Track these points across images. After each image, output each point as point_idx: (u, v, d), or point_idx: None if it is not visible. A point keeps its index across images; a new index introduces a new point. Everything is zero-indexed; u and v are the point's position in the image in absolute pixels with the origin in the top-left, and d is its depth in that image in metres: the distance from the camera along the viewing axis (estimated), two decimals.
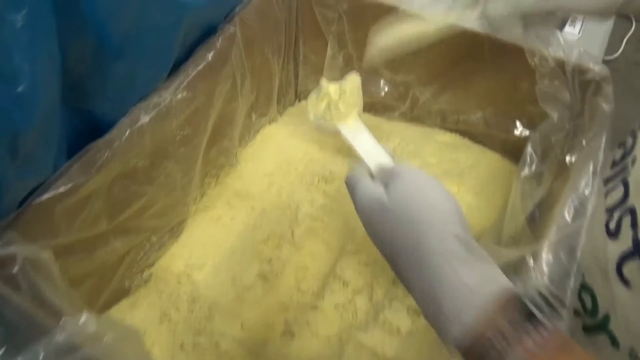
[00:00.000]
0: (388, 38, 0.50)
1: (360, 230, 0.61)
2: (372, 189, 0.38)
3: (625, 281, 0.37)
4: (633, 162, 0.39)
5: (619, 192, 0.39)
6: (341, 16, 0.60)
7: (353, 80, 0.52)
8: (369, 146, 0.47)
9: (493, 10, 0.45)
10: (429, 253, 0.31)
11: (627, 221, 0.37)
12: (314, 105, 0.53)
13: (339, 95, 0.51)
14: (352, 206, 0.62)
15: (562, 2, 0.43)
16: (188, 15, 0.47)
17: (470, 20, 0.47)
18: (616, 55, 1.42)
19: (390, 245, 0.35)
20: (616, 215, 0.38)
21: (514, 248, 0.34)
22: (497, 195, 0.59)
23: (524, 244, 0.46)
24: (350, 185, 0.40)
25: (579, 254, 0.34)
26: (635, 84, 1.38)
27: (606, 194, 0.41)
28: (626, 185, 0.39)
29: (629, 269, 0.37)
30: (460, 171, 0.61)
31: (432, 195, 0.35)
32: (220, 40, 0.53)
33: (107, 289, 0.53)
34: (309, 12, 0.63)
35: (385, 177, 0.38)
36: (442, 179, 0.62)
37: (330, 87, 0.52)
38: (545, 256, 0.34)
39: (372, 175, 0.42)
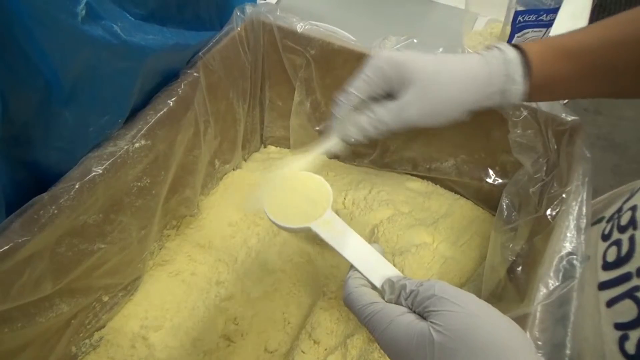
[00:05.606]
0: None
1: (332, 284, 0.58)
2: (408, 323, 0.31)
3: None
4: (638, 272, 0.36)
5: (629, 309, 0.36)
6: (309, 62, 0.59)
7: (313, 179, 0.44)
8: (363, 252, 0.38)
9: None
10: None
11: None
12: (272, 202, 0.42)
13: (302, 190, 0.43)
14: (323, 258, 0.60)
15: (415, 122, 0.42)
16: (147, 59, 0.44)
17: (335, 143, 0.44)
18: (566, 101, 1.47)
19: None
20: (633, 337, 0.35)
21: (496, 306, 0.31)
22: (473, 246, 0.57)
23: (507, 301, 0.44)
24: (367, 314, 0.34)
25: (572, 318, 0.32)
26: (586, 129, 1.43)
27: (608, 304, 0.38)
28: (639, 303, 0.35)
29: None
30: (435, 220, 0.59)
31: (494, 328, 0.29)
32: (182, 85, 0.51)
33: (50, 358, 0.48)
34: (276, 57, 0.61)
35: (415, 301, 0.32)
36: (416, 228, 0.60)
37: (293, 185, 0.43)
38: (538, 322, 0.32)
39: (374, 288, 0.36)
